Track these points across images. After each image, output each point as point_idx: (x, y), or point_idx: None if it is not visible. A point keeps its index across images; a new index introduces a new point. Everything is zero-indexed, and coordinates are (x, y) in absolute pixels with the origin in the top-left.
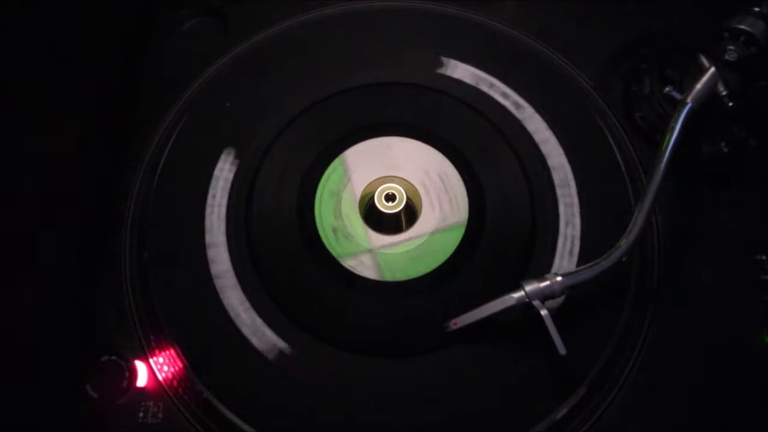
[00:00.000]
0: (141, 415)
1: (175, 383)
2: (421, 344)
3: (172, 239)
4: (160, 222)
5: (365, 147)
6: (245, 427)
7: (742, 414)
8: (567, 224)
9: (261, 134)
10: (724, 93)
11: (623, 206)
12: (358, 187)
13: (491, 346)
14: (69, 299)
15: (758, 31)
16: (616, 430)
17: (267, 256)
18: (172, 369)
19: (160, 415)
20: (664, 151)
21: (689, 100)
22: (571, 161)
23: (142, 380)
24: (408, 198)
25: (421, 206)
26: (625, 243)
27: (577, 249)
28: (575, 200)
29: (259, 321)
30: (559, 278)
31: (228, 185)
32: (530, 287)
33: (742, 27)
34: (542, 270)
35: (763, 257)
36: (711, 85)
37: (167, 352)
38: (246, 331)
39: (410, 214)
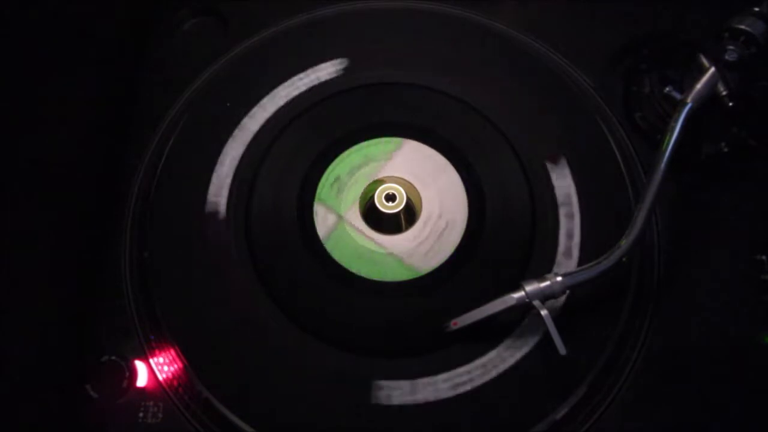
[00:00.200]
0: (141, 415)
1: (175, 383)
2: (421, 344)
3: (172, 239)
4: (160, 222)
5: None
6: (245, 427)
7: (742, 414)
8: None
9: (261, 134)
10: (724, 93)
11: (623, 206)
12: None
13: (491, 346)
14: (69, 299)
15: (758, 31)
16: (616, 430)
17: (267, 257)
18: (172, 369)
19: (160, 415)
20: (664, 151)
21: (689, 100)
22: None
23: (142, 380)
24: (408, 198)
25: (421, 207)
26: (625, 243)
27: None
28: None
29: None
30: (559, 278)
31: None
32: (530, 287)
33: (742, 27)
34: (542, 270)
35: (763, 257)
36: (711, 85)
37: (167, 352)
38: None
39: (410, 214)
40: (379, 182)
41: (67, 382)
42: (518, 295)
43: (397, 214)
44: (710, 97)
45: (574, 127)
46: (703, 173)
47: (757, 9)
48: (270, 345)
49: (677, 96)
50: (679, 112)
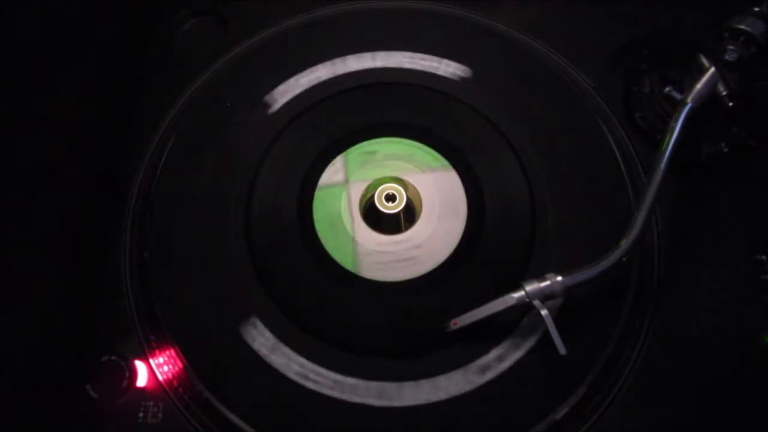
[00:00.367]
0: (141, 415)
1: (175, 383)
2: (421, 344)
3: (172, 239)
4: (161, 222)
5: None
6: (245, 427)
7: (742, 414)
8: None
9: (261, 134)
10: (724, 93)
11: (623, 206)
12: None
13: (491, 346)
14: (69, 299)
15: (758, 31)
16: (616, 430)
17: (267, 256)
18: (172, 369)
19: (160, 415)
20: (664, 151)
21: (689, 100)
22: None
23: (142, 380)
24: (408, 198)
25: (421, 207)
26: (625, 243)
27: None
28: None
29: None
30: (559, 278)
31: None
32: (530, 287)
33: (742, 27)
34: (542, 270)
35: (763, 257)
36: (711, 85)
37: (167, 352)
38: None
39: (410, 214)
40: (378, 182)
41: (67, 382)
42: (518, 295)
43: (397, 214)
44: (710, 97)
45: (574, 127)
46: (703, 173)
47: (757, 9)
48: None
49: (677, 96)
50: (679, 112)
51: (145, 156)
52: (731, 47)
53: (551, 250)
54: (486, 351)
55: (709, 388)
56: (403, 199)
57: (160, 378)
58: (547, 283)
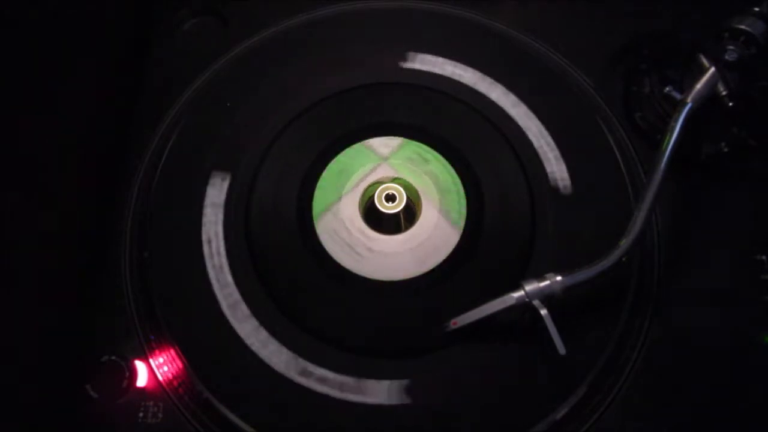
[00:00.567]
0: (141, 415)
1: (175, 383)
2: (421, 344)
3: (172, 239)
4: (160, 222)
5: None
6: (245, 427)
7: (742, 414)
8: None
9: (261, 134)
10: (724, 93)
11: (623, 206)
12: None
13: (491, 346)
14: (69, 299)
15: (758, 31)
16: (616, 430)
17: (267, 257)
18: (172, 369)
19: (160, 415)
20: (664, 151)
21: (689, 100)
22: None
23: (142, 380)
24: (408, 198)
25: (421, 207)
26: (625, 243)
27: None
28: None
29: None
30: (558, 278)
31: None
32: (530, 287)
33: (742, 27)
34: (542, 270)
35: (763, 257)
36: (711, 85)
37: (167, 352)
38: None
39: (410, 214)
40: (378, 182)
41: (67, 382)
42: (518, 294)
43: (396, 215)
44: (710, 97)
45: (574, 127)
46: (703, 173)
47: (757, 9)
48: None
49: (677, 96)
50: (679, 112)
51: (145, 156)
52: (731, 47)
53: (551, 250)
54: (486, 351)
55: (709, 388)
56: (403, 199)
57: (160, 378)
58: (547, 282)
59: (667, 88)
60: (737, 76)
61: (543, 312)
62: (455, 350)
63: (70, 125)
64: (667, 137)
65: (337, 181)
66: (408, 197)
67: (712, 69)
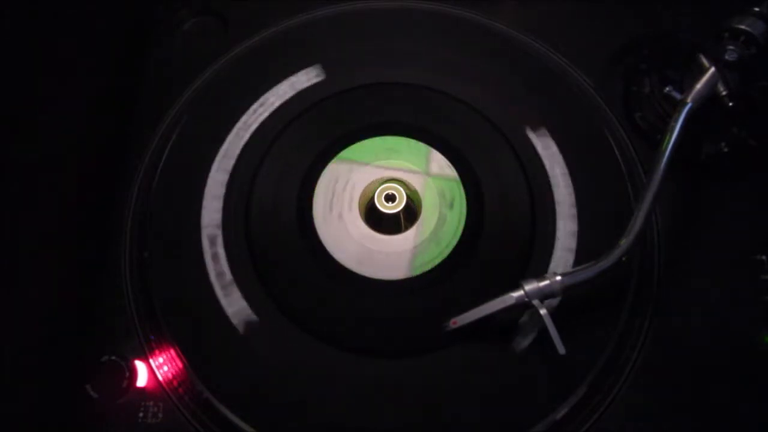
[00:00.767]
0: (141, 415)
1: (175, 383)
2: (421, 344)
3: (171, 239)
4: (160, 222)
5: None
6: (245, 427)
7: (742, 414)
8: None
9: (261, 134)
10: (724, 93)
11: (623, 206)
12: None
13: (491, 346)
14: (69, 299)
15: (758, 31)
16: (616, 430)
17: (267, 257)
18: (172, 369)
19: (160, 415)
20: (664, 151)
21: (689, 100)
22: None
23: (142, 380)
24: (408, 198)
25: (421, 207)
26: (624, 243)
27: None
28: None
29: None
30: (558, 278)
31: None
32: (530, 286)
33: (742, 27)
34: (542, 270)
35: (763, 257)
36: (711, 85)
37: (167, 352)
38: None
39: (410, 214)
40: (378, 182)
41: (67, 382)
42: (518, 294)
43: (396, 214)
44: (710, 97)
45: (574, 127)
46: (703, 173)
47: (757, 9)
48: (270, 345)
49: (677, 96)
50: (679, 112)
51: (145, 156)
52: (731, 47)
53: (551, 250)
54: (486, 351)
55: (709, 388)
56: (403, 199)
57: (160, 378)
58: (547, 282)
59: (667, 88)
60: (737, 76)
61: (543, 312)
62: (455, 350)
63: (70, 125)
64: (667, 137)
65: (380, 153)
66: (408, 197)
67: (712, 69)
